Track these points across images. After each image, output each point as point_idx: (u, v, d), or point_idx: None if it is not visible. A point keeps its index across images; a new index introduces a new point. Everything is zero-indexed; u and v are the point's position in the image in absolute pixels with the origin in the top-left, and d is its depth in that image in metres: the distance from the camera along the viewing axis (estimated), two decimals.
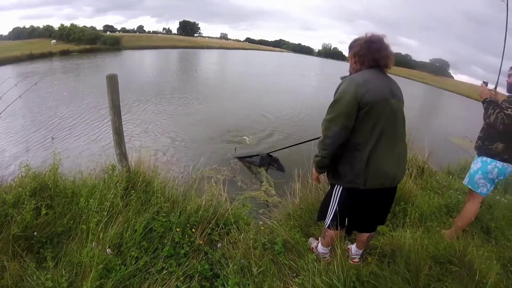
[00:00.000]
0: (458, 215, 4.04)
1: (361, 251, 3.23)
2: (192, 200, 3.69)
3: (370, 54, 2.50)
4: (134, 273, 2.78)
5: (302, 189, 4.48)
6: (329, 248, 3.16)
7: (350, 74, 2.66)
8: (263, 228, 3.63)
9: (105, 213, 3.14)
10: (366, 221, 2.90)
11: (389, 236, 3.55)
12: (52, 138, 9.39)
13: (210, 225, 3.36)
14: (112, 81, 3.54)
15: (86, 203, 3.29)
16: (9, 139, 9.32)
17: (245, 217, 3.73)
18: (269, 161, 8.06)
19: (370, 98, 2.35)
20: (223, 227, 3.44)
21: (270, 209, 5.02)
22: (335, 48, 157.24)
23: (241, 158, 8.30)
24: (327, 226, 2.90)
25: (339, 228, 2.81)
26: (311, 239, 3.54)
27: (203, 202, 3.61)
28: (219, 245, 3.20)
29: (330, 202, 2.81)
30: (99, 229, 3.00)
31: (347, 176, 2.56)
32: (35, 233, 3.10)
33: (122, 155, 3.82)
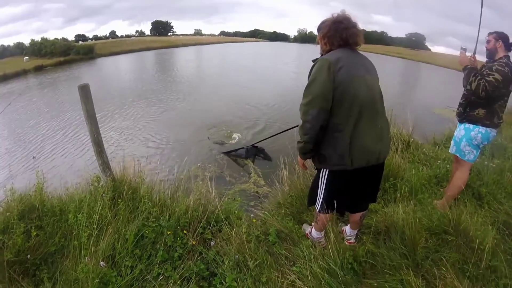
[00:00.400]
0: (449, 185, 4.07)
1: (355, 232, 3.23)
2: (180, 202, 3.66)
3: (338, 33, 2.50)
4: (131, 283, 2.75)
5: (290, 177, 4.49)
6: (323, 232, 3.15)
7: (322, 55, 2.63)
8: (255, 220, 3.61)
9: (95, 226, 3.10)
10: (356, 200, 2.91)
11: (381, 213, 3.56)
12: (34, 157, 9.24)
13: (201, 224, 3.33)
14: (85, 91, 3.48)
15: (75, 219, 3.24)
16: None
17: (236, 212, 3.72)
18: (255, 152, 8.11)
19: (344, 76, 2.34)
20: (215, 224, 3.41)
21: (261, 200, 4.99)
22: (311, 33, 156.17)
23: (227, 153, 8.32)
24: (318, 210, 2.89)
25: (329, 211, 2.82)
26: (304, 226, 3.54)
27: (191, 202, 3.57)
28: (212, 243, 3.18)
29: (318, 187, 2.79)
30: (90, 243, 2.97)
31: (332, 159, 2.53)
32: (29, 256, 3.05)
33: (105, 164, 3.78)
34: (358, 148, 2.45)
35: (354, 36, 2.51)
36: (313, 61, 2.56)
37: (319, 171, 2.77)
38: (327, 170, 2.66)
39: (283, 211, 3.88)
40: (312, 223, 3.27)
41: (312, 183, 2.98)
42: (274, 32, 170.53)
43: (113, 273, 2.77)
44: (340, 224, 3.52)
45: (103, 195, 3.50)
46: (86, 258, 2.84)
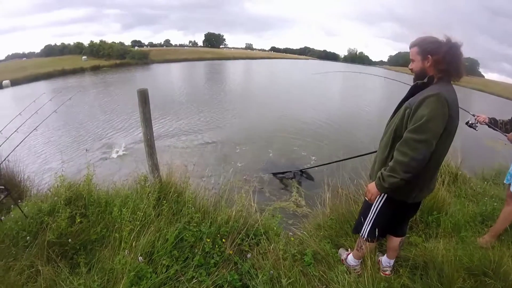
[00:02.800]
0: (495, 223, 3.93)
1: (392, 262, 3.17)
2: (222, 211, 3.73)
3: (455, 63, 2.30)
4: (165, 281, 2.84)
5: (332, 199, 4.40)
6: (360, 260, 3.12)
7: (421, 79, 2.45)
8: (293, 239, 3.61)
9: (138, 222, 3.24)
10: (398, 226, 2.91)
11: (421, 247, 3.47)
12: (86, 150, 10.02)
13: (240, 235, 3.38)
14: (143, 95, 3.66)
15: (119, 213, 3.42)
16: (51, 150, 10.22)
17: (275, 228, 3.71)
18: (300, 174, 8.00)
19: (453, 121, 2.27)
20: (253, 237, 3.44)
21: (300, 219, 4.92)
22: (361, 53, 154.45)
23: (275, 174, 8.09)
24: (363, 237, 2.86)
25: (374, 240, 2.82)
26: (341, 250, 3.50)
27: (233, 213, 3.63)
28: (248, 255, 3.20)
29: (369, 212, 2.75)
30: (131, 238, 3.10)
31: (400, 190, 2.44)
32: (70, 240, 3.23)
33: (154, 166, 3.92)
34: (427, 187, 2.48)
35: (464, 70, 2.36)
36: (418, 85, 2.45)
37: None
38: (387, 196, 2.61)
39: (321, 233, 3.85)
40: (351, 250, 3.25)
41: (363, 208, 2.91)
42: (324, 50, 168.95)
43: (149, 269, 2.87)
44: (377, 253, 3.47)
45: (149, 194, 3.62)
46: (126, 251, 2.97)
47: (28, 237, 3.28)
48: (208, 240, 3.22)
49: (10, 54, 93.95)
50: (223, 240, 3.29)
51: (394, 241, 3.03)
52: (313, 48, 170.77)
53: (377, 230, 2.74)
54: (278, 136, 11.63)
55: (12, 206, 4.31)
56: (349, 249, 3.28)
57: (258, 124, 13.47)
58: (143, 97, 3.65)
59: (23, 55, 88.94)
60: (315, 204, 4.61)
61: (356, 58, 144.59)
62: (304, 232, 3.78)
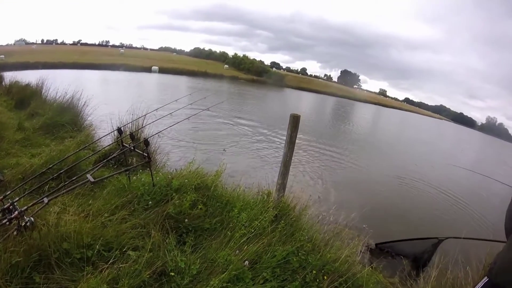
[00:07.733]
0: None
1: None
2: (333, 251, 3.81)
3: None
4: None
5: (437, 278, 4.04)
6: None
7: None
8: None
9: (252, 230, 3.52)
10: None
11: None
12: (224, 150, 11.12)
13: (340, 280, 3.41)
14: (295, 120, 4.03)
15: (237, 215, 3.80)
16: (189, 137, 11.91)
17: (371, 285, 3.67)
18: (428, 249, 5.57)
19: None
20: (351, 286, 3.44)
21: None
22: (501, 124, 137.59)
23: (384, 244, 6.06)
24: None
25: None
26: None
27: (343, 256, 3.69)
28: None
29: None
30: (241, 241, 3.40)
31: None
32: (186, 220, 3.71)
33: (282, 186, 4.21)
34: None
35: None
36: None
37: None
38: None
39: None
40: None
41: None
42: (461, 114, 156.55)
43: (250, 275, 3.12)
44: None
45: (269, 209, 3.93)
46: (236, 251, 3.27)
47: (150, 202, 3.84)
48: (314, 272, 3.34)
49: (163, 46, 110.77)
50: (325, 277, 3.37)
51: None
52: (449, 108, 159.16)
53: None
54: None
55: (140, 170, 4.90)
56: None
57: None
58: (295, 122, 4.02)
59: (174, 50, 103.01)
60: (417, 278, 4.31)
61: (494, 130, 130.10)
62: None
